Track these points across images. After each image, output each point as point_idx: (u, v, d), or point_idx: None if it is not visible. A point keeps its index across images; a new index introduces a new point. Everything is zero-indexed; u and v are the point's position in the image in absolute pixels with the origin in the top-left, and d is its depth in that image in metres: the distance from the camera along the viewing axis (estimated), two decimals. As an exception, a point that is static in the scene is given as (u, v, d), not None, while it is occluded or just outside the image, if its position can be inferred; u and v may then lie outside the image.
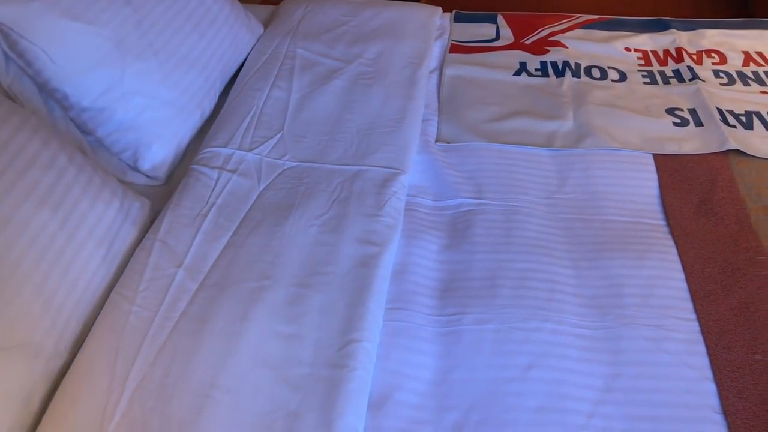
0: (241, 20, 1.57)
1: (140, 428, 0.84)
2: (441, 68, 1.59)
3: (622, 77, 1.57)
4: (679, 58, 1.61)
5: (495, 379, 0.93)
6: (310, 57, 1.55)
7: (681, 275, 1.06)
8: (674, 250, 1.11)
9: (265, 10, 1.87)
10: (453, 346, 0.97)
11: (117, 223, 1.08)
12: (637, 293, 1.04)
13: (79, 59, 1.21)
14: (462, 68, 1.58)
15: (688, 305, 1.03)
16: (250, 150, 1.27)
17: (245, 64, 1.54)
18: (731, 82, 1.54)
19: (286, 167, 1.24)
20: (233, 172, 1.22)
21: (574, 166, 1.30)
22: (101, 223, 1.04)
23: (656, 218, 1.19)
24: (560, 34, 1.72)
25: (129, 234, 1.10)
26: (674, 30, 1.72)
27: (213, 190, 1.17)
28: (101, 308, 0.99)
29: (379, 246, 1.07)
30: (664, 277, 1.06)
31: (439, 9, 1.84)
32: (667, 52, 1.65)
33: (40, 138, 1.03)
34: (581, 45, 1.68)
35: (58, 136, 1.09)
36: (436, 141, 1.36)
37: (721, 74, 1.56)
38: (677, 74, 1.57)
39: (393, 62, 1.54)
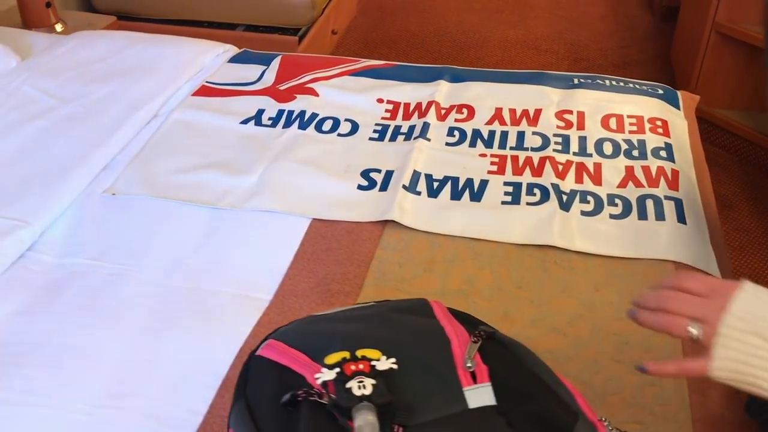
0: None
1: None
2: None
3: (353, 131, 1.49)
4: (424, 113, 1.53)
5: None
6: (31, 95, 1.52)
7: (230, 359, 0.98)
8: (247, 329, 1.03)
9: (53, 39, 1.85)
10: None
11: None
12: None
13: None
14: (191, 113, 1.53)
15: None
16: None
17: (-33, 100, 1.52)
18: (460, 141, 1.45)
19: None
20: None
21: (221, 230, 1.23)
22: None
23: (267, 293, 1.11)
24: (322, 81, 1.65)
25: None
26: (442, 81, 1.64)
27: None
28: None
29: (-69, 308, 1.03)
30: (203, 362, 0.98)
31: (221, 47, 1.79)
32: (419, 105, 1.57)
33: None
34: (334, 94, 1.60)
35: None
36: (104, 192, 1.31)
37: (456, 132, 1.47)
38: (410, 131, 1.48)
39: (113, 104, 1.50)
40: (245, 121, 1.51)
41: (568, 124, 1.48)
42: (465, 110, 1.54)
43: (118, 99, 1.52)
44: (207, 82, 1.64)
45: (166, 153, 1.41)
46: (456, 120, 1.51)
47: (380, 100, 1.59)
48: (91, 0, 2.78)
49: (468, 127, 1.48)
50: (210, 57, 1.74)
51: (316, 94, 1.60)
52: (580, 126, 1.47)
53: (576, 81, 1.63)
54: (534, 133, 1.45)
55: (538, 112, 1.52)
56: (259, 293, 1.11)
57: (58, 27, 2.31)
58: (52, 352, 0.99)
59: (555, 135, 1.44)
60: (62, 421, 0.90)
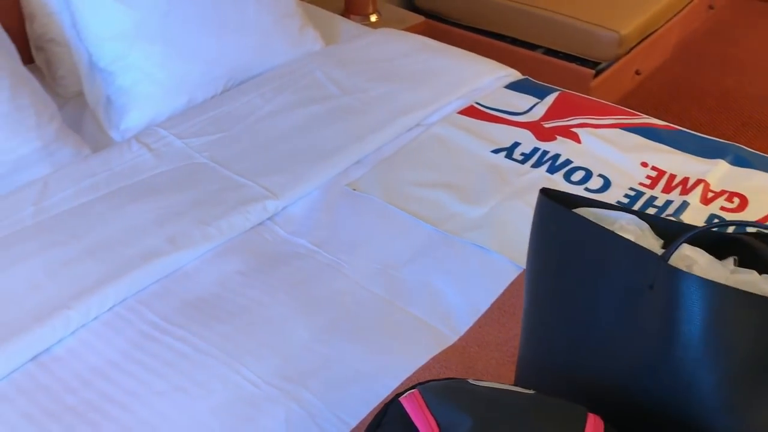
0: (286, 34, 1.74)
1: None
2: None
3: (603, 189, 1.41)
4: (688, 191, 1.39)
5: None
6: (319, 81, 1.67)
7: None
8: (421, 361, 1.04)
9: (359, 30, 2.01)
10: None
11: (31, 160, 1.35)
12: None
13: (102, 28, 1.51)
14: (450, 130, 1.56)
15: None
16: (183, 137, 1.46)
17: (272, 71, 1.71)
18: (717, 234, 1.29)
19: (196, 161, 1.40)
20: (150, 150, 1.42)
21: (434, 251, 1.25)
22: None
23: (454, 331, 1.11)
24: (589, 128, 1.59)
25: (40, 169, 1.36)
26: (722, 161, 1.47)
27: (120, 158, 1.39)
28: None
29: (176, 248, 1.19)
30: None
31: (503, 70, 1.80)
32: (685, 180, 1.43)
33: None
34: (597, 145, 1.53)
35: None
36: (347, 184, 1.40)
37: (715, 221, 1.32)
38: (664, 206, 1.36)
39: (384, 105, 1.59)
40: (497, 151, 1.51)
41: None
42: (737, 200, 1.37)
43: (390, 101, 1.61)
44: (476, 103, 1.66)
45: (412, 163, 1.46)
46: (722, 208, 1.35)
47: (644, 164, 1.48)
48: (414, -1, 2.94)
49: (729, 217, 1.32)
50: (488, 79, 1.75)
51: (579, 141, 1.54)
52: None
53: None
54: (811, 249, 1.24)
55: (825, 225, 1.30)
56: (446, 329, 1.11)
57: (373, 17, 2.50)
58: (252, 319, 1.10)
59: (837, 259, 1.22)
60: (235, 385, 0.99)
